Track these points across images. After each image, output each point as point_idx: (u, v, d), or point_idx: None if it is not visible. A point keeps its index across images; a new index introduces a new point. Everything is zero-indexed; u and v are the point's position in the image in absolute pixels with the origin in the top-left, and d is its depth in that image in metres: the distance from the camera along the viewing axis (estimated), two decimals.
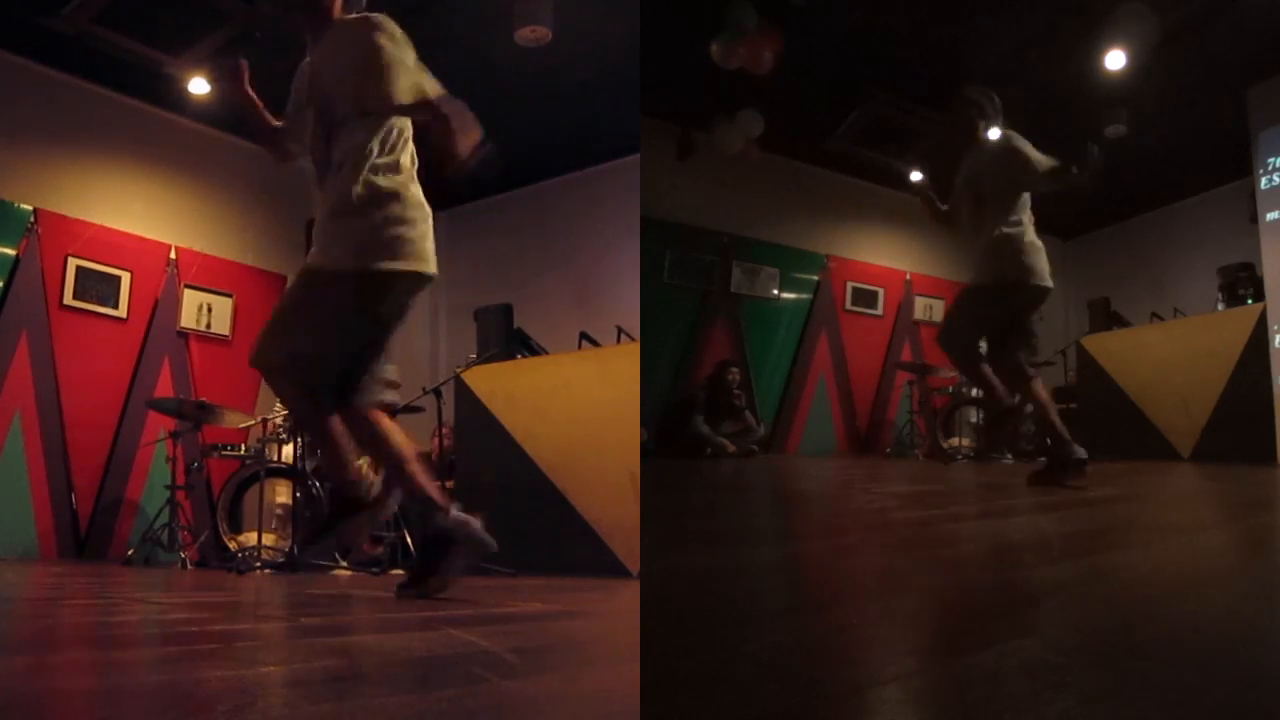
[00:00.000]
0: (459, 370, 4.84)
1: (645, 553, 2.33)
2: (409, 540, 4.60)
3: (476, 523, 2.58)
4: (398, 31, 2.46)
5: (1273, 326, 6.00)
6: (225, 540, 4.90)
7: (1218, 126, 6.81)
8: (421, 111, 2.41)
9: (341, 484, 2.67)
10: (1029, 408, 3.84)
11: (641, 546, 2.81)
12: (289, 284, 2.65)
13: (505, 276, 7.14)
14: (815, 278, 8.34)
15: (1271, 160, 6.29)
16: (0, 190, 5.57)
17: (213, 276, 6.51)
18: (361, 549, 5.02)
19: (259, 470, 4.73)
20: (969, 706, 0.86)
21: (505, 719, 1.00)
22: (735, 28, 5.55)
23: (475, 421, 4.68)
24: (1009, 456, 6.70)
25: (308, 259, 2.51)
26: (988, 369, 3.80)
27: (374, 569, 4.41)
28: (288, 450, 4.92)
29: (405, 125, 2.54)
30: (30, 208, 5.65)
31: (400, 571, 4.43)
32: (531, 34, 5.19)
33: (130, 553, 5.16)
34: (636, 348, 4.51)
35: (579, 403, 4.29)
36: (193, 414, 5.17)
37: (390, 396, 2.62)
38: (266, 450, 4.89)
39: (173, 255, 6.32)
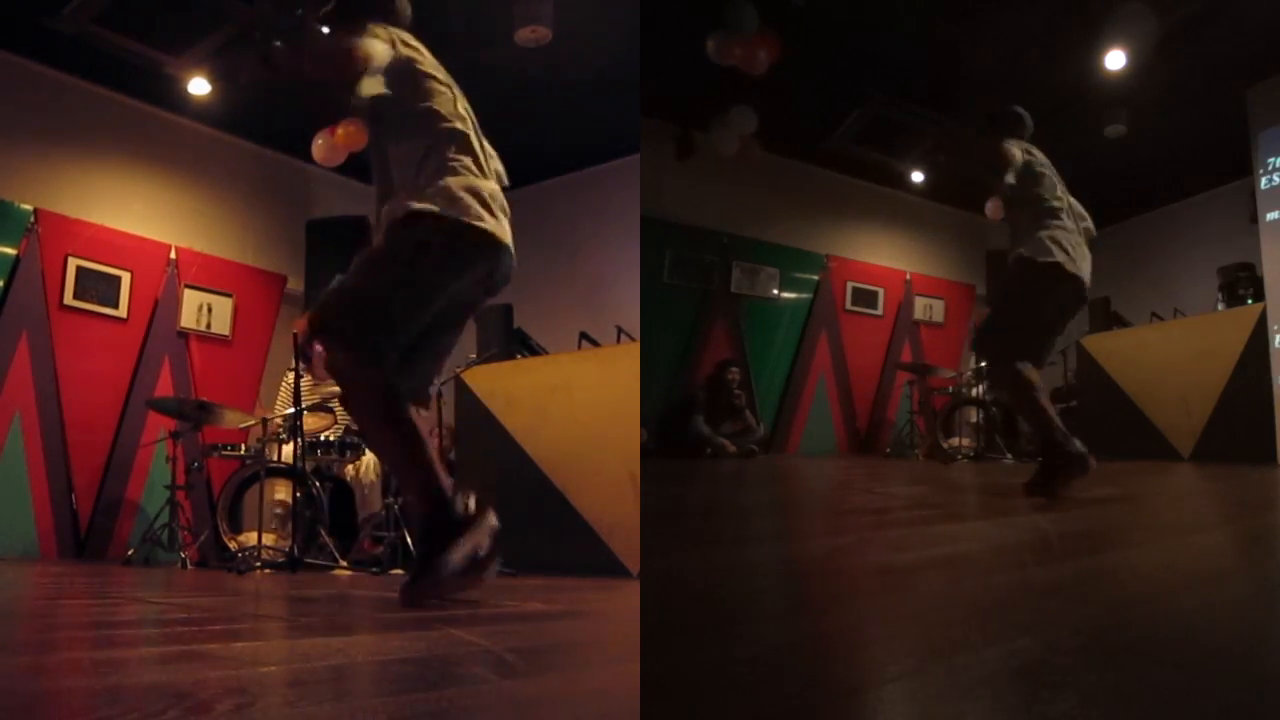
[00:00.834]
0: (459, 370, 4.84)
1: (645, 553, 2.33)
2: (409, 540, 4.60)
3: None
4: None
5: (1273, 326, 6.00)
6: (225, 540, 4.90)
7: (1218, 126, 6.81)
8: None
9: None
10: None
11: (641, 546, 2.81)
12: None
13: None
14: (815, 278, 8.34)
15: (1271, 160, 6.29)
16: (0, 190, 5.57)
17: (213, 276, 6.51)
18: (363, 548, 5.03)
19: (259, 470, 4.73)
20: (969, 706, 0.86)
21: (505, 719, 1.00)
22: (735, 27, 5.56)
23: (475, 421, 4.67)
24: (1009, 457, 6.70)
25: None
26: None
27: (374, 569, 4.41)
28: (288, 450, 4.92)
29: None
30: (30, 208, 5.65)
31: (400, 571, 4.44)
32: (531, 34, 5.19)
33: (130, 553, 5.16)
34: (636, 348, 4.51)
35: (579, 403, 4.29)
36: (193, 414, 5.17)
37: None
38: (266, 450, 4.89)
39: (173, 255, 6.31)
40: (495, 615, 2.12)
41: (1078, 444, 3.22)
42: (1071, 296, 3.55)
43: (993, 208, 4.16)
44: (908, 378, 8.07)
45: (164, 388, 6.13)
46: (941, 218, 9.06)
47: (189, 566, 4.83)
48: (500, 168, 2.59)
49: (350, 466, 5.15)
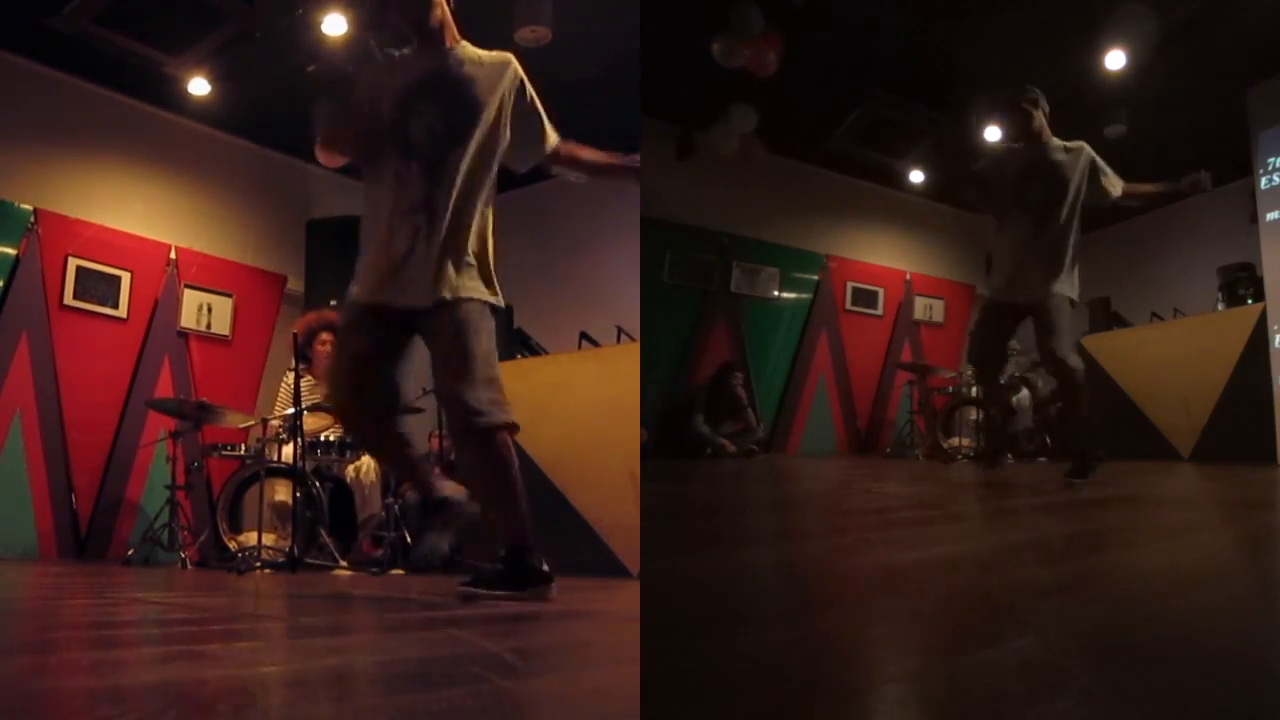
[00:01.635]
0: None
1: (645, 553, 2.33)
2: (409, 540, 4.60)
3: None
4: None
5: (1273, 326, 6.00)
6: (225, 540, 4.89)
7: (1218, 126, 6.81)
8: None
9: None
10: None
11: (641, 546, 2.81)
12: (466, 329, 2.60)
13: (505, 277, 7.11)
14: (815, 278, 8.34)
15: (1271, 160, 6.29)
16: (0, 190, 5.56)
17: (213, 276, 6.51)
18: (362, 549, 5.02)
19: (259, 470, 4.72)
20: (969, 706, 0.86)
21: (505, 719, 1.00)
22: (741, 29, 5.56)
23: None
24: (1009, 457, 6.70)
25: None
26: None
27: (374, 569, 4.41)
28: (288, 450, 4.92)
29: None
30: (30, 208, 5.65)
31: (400, 571, 4.44)
32: (531, 34, 5.19)
33: (130, 553, 5.16)
34: (636, 348, 4.51)
35: (579, 403, 4.29)
36: (193, 414, 5.17)
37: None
38: (266, 450, 4.89)
39: (173, 255, 6.31)
40: (495, 615, 2.12)
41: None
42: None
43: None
44: (908, 378, 8.07)
45: (164, 388, 6.13)
46: (941, 218, 9.06)
47: (189, 566, 4.83)
48: None
49: (350, 466, 5.15)
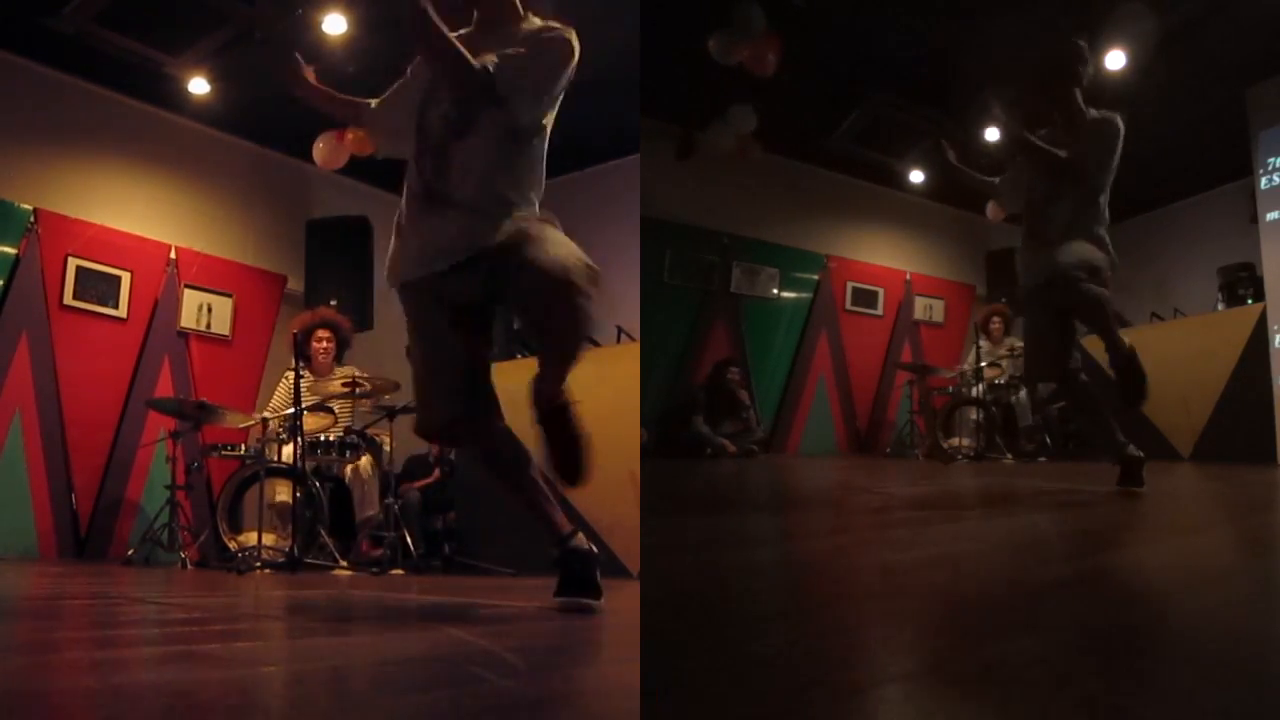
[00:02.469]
0: None
1: (645, 553, 2.33)
2: (409, 540, 4.60)
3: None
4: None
5: (1273, 326, 6.00)
6: (225, 540, 4.89)
7: (1218, 126, 6.81)
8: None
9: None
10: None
11: (641, 546, 2.81)
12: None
13: None
14: (815, 278, 8.34)
15: (1271, 160, 6.29)
16: (0, 190, 5.56)
17: (213, 276, 6.51)
18: (361, 549, 5.02)
19: (259, 470, 4.72)
20: (969, 706, 0.86)
21: (505, 719, 1.00)
22: (743, 29, 5.56)
23: None
24: (1009, 457, 6.70)
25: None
26: None
27: (374, 569, 4.41)
28: (288, 450, 4.92)
29: None
30: (30, 208, 5.65)
31: (400, 571, 4.44)
32: None
33: (130, 553, 5.16)
34: (636, 348, 4.51)
35: (579, 403, 4.29)
36: (193, 414, 5.17)
37: None
38: (266, 450, 4.89)
39: (173, 255, 6.31)
40: (495, 615, 2.12)
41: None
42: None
43: (993, 209, 4.15)
44: (908, 378, 8.07)
45: (164, 388, 6.13)
46: (941, 218, 9.06)
47: (189, 566, 4.83)
48: None
49: (350, 467, 5.15)
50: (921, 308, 8.94)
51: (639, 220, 6.22)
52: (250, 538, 4.58)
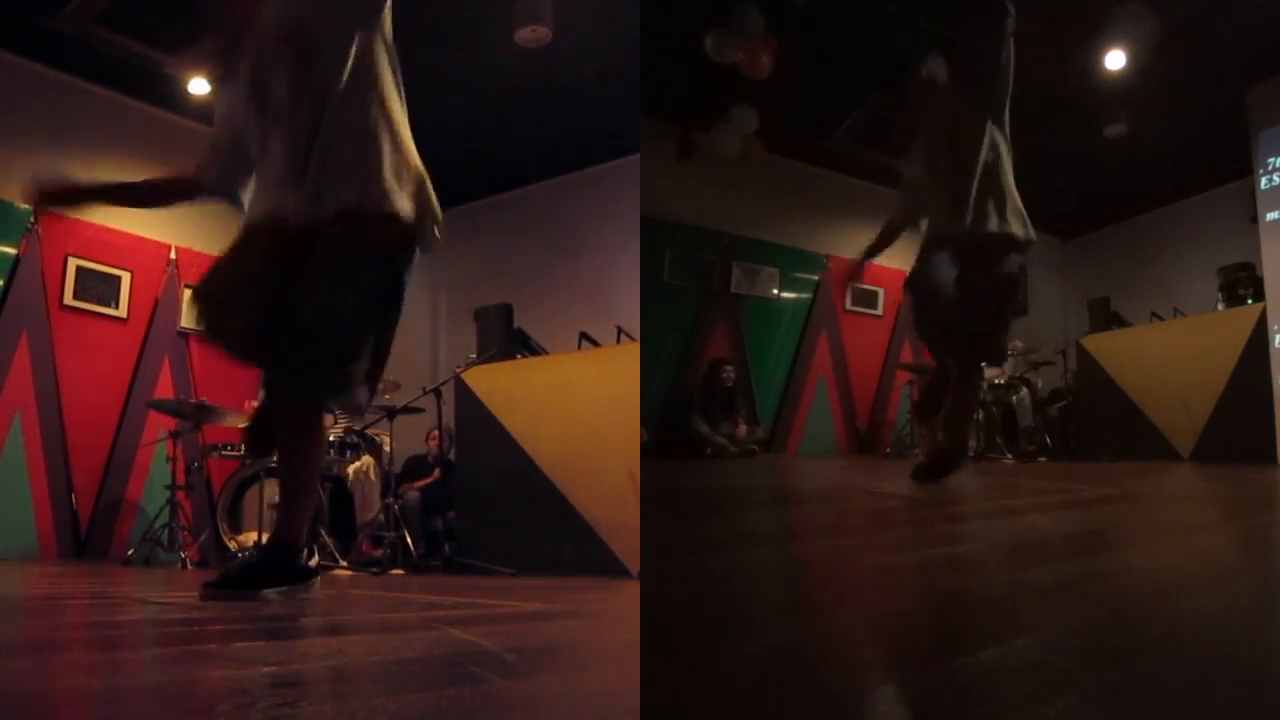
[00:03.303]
0: (459, 370, 4.85)
1: (645, 553, 2.33)
2: (409, 540, 4.61)
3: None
4: None
5: (1273, 326, 6.00)
6: (225, 540, 4.90)
7: (1218, 126, 6.81)
8: None
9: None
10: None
11: (641, 546, 2.81)
12: None
13: (505, 276, 7.14)
14: (815, 278, 8.34)
15: (1271, 160, 6.29)
16: (0, 190, 5.56)
17: None
18: (361, 550, 5.03)
19: (259, 470, 4.73)
20: (969, 706, 0.86)
21: (505, 719, 1.00)
22: (740, 29, 5.56)
23: (475, 421, 4.68)
24: (1009, 456, 6.70)
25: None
26: None
27: (374, 569, 4.41)
28: None
29: None
30: (30, 207, 5.65)
31: (400, 571, 4.44)
32: (531, 34, 5.19)
33: (130, 553, 5.17)
34: (636, 348, 4.52)
35: (579, 403, 4.29)
36: (193, 414, 5.18)
37: None
38: None
39: (173, 255, 6.31)
40: (495, 615, 2.12)
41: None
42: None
43: None
44: (908, 378, 8.07)
45: (164, 388, 6.13)
46: None
47: (189, 566, 4.83)
48: None
49: (350, 467, 5.15)
50: None
51: (639, 220, 6.22)
52: (250, 538, 4.58)
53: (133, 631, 1.85)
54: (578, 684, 1.25)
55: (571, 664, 1.50)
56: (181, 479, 5.14)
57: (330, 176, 2.22)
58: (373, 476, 5.17)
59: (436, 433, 5.64)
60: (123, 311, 6.04)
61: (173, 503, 5.05)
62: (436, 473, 5.78)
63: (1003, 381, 7.06)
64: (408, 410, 5.04)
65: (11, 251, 5.55)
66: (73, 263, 5.79)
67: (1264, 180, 6.32)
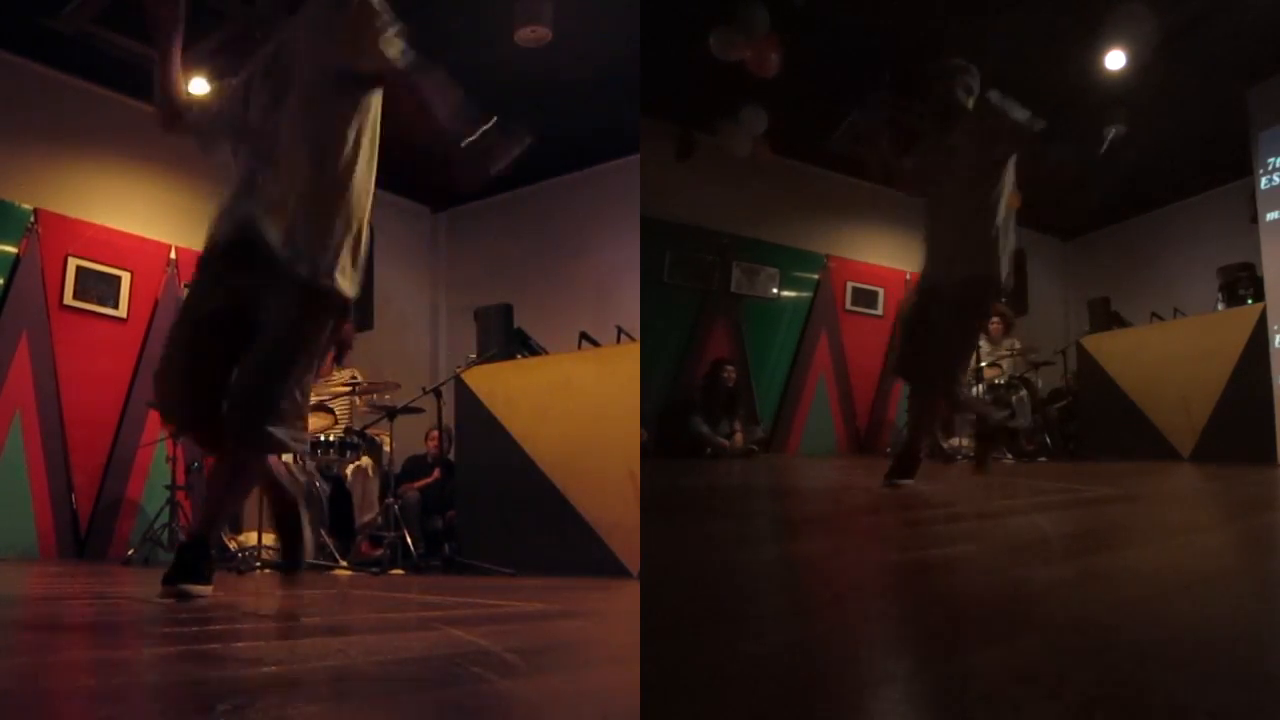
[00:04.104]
0: (459, 370, 4.84)
1: (645, 553, 2.33)
2: (409, 540, 4.60)
3: None
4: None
5: (1273, 326, 6.00)
6: (225, 540, 4.90)
7: (1218, 126, 6.81)
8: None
9: None
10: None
11: (641, 546, 2.81)
12: None
13: (505, 276, 7.14)
14: (815, 278, 8.34)
15: (1271, 160, 6.29)
16: (0, 190, 5.57)
17: None
18: (361, 550, 5.03)
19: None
20: (968, 706, 0.86)
21: (505, 719, 1.00)
22: (746, 29, 5.56)
23: (475, 421, 4.67)
24: (1009, 456, 6.70)
25: None
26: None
27: (374, 569, 4.41)
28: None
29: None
30: (30, 208, 5.65)
31: (400, 571, 4.44)
32: (531, 34, 5.19)
33: (130, 553, 5.16)
34: (636, 348, 4.51)
35: (579, 403, 4.29)
36: None
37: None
38: None
39: (173, 255, 6.31)
40: (495, 615, 2.12)
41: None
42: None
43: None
44: None
45: None
46: None
47: None
48: None
49: (350, 467, 5.15)
50: None
51: (639, 220, 6.22)
52: (250, 538, 4.58)
53: (133, 631, 1.85)
54: (578, 684, 1.25)
55: (571, 664, 1.50)
56: (181, 479, 5.14)
57: (293, 224, 2.37)
58: (372, 476, 5.16)
59: (436, 433, 5.64)
60: (123, 311, 6.03)
61: (173, 503, 5.05)
62: (436, 473, 5.77)
63: (1003, 381, 7.06)
64: (408, 410, 5.04)
65: (11, 251, 5.55)
66: (73, 262, 5.79)
67: (1264, 180, 6.32)
